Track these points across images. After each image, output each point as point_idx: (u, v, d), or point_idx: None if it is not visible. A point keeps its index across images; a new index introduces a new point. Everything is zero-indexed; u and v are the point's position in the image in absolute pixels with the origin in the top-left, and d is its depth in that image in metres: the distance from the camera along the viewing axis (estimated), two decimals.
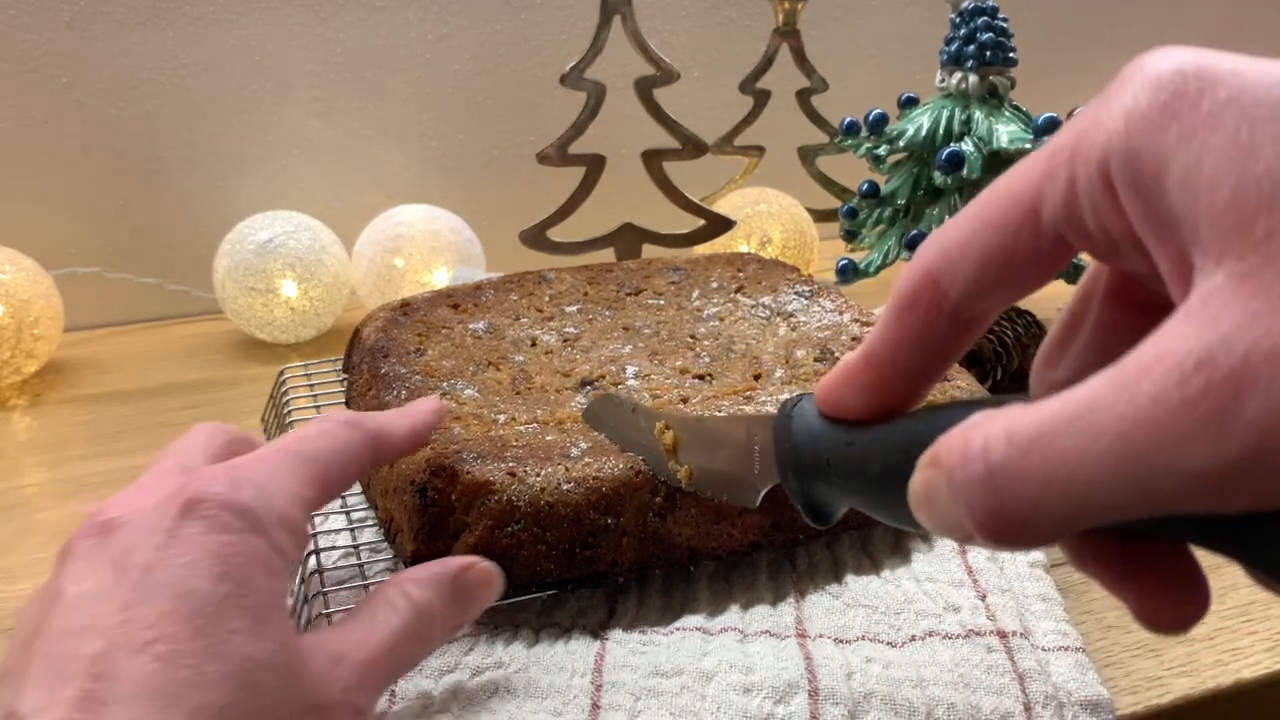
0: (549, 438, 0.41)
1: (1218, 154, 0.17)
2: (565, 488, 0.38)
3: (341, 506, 0.44)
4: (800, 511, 0.29)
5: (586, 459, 0.39)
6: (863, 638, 0.37)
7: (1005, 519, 0.18)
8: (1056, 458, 0.17)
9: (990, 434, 0.19)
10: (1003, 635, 0.36)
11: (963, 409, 0.21)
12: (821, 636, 0.36)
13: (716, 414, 0.41)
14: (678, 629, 0.37)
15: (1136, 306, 0.23)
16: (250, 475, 0.29)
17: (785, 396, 0.44)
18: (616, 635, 0.37)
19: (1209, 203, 0.17)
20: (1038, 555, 0.41)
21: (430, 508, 0.37)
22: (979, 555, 0.41)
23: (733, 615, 0.38)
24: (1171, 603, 0.20)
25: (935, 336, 0.23)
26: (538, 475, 0.38)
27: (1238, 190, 0.17)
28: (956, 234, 0.22)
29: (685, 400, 0.45)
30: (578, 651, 0.36)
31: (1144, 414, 0.16)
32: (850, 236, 0.74)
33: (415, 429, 0.36)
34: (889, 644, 0.36)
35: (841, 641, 0.36)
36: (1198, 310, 0.17)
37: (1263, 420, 0.15)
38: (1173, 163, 0.17)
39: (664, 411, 0.40)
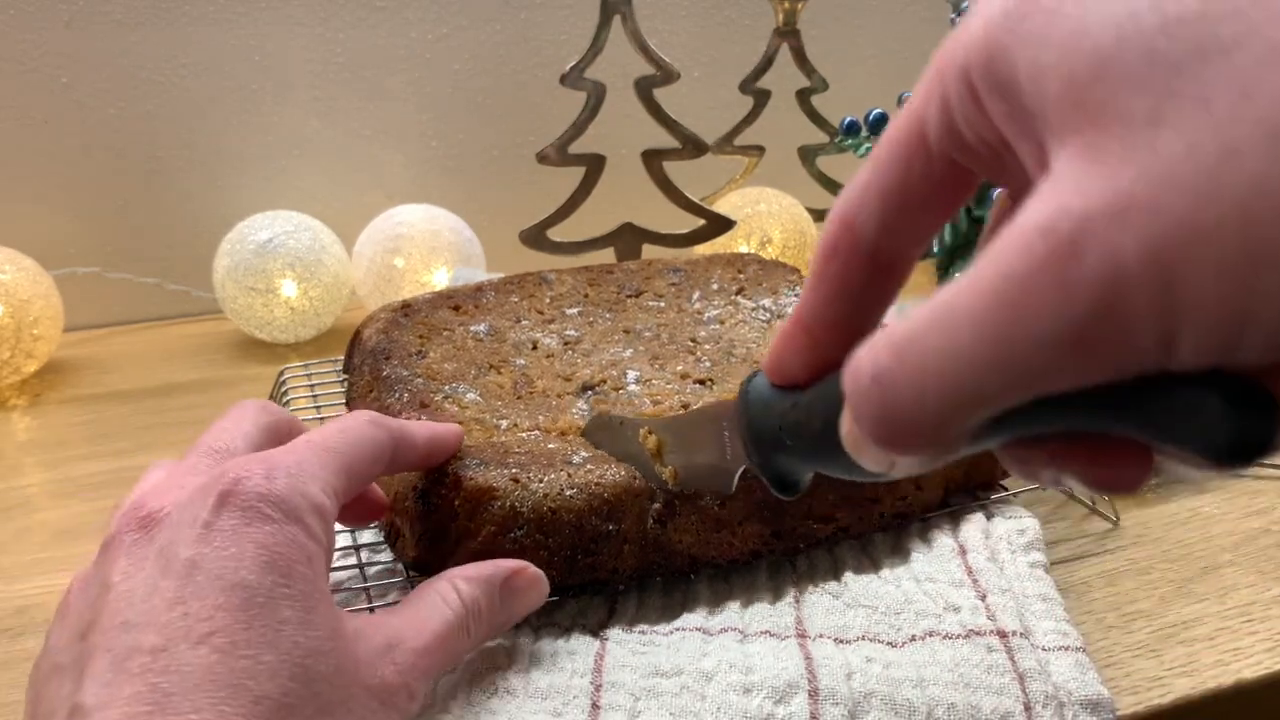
0: (550, 445, 0.41)
1: (1057, 41, 0.17)
2: (568, 494, 0.38)
3: None
4: (767, 485, 0.29)
5: (589, 466, 0.39)
6: (863, 638, 0.37)
7: (892, 424, 0.19)
8: (928, 355, 0.18)
9: (876, 347, 0.19)
10: (1003, 635, 0.36)
11: None
12: (821, 636, 0.36)
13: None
14: (677, 629, 0.37)
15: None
16: (283, 464, 0.30)
17: None
18: (616, 635, 0.37)
19: (1053, 88, 0.17)
20: (1037, 555, 0.41)
21: (433, 514, 0.37)
22: (979, 555, 0.41)
23: (732, 615, 0.38)
24: (1113, 470, 0.19)
25: (858, 284, 0.23)
26: (540, 481, 0.38)
27: (1073, 69, 0.17)
28: (861, 178, 0.22)
29: (686, 406, 0.45)
30: (577, 651, 0.36)
31: (996, 292, 0.17)
32: None
33: (435, 440, 0.37)
34: (889, 644, 0.36)
35: (841, 641, 0.36)
36: (1045, 189, 0.17)
37: (1102, 274, 0.16)
38: (1021, 58, 0.18)
39: (647, 418, 0.40)
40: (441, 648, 0.32)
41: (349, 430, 0.33)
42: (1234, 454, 0.17)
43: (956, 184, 0.22)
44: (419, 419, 0.43)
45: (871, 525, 0.43)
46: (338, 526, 0.43)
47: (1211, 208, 0.15)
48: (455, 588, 0.33)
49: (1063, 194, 0.16)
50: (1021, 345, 0.17)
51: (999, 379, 0.17)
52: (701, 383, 0.48)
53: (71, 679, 0.26)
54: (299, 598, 0.28)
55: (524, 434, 0.42)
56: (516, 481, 0.38)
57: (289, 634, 0.27)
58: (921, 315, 0.18)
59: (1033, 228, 0.17)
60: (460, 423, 0.43)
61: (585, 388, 0.47)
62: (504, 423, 0.43)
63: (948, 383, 0.18)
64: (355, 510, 0.38)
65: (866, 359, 0.20)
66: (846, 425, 0.21)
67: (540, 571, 0.36)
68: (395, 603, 0.39)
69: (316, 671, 0.27)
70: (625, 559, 0.38)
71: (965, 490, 0.45)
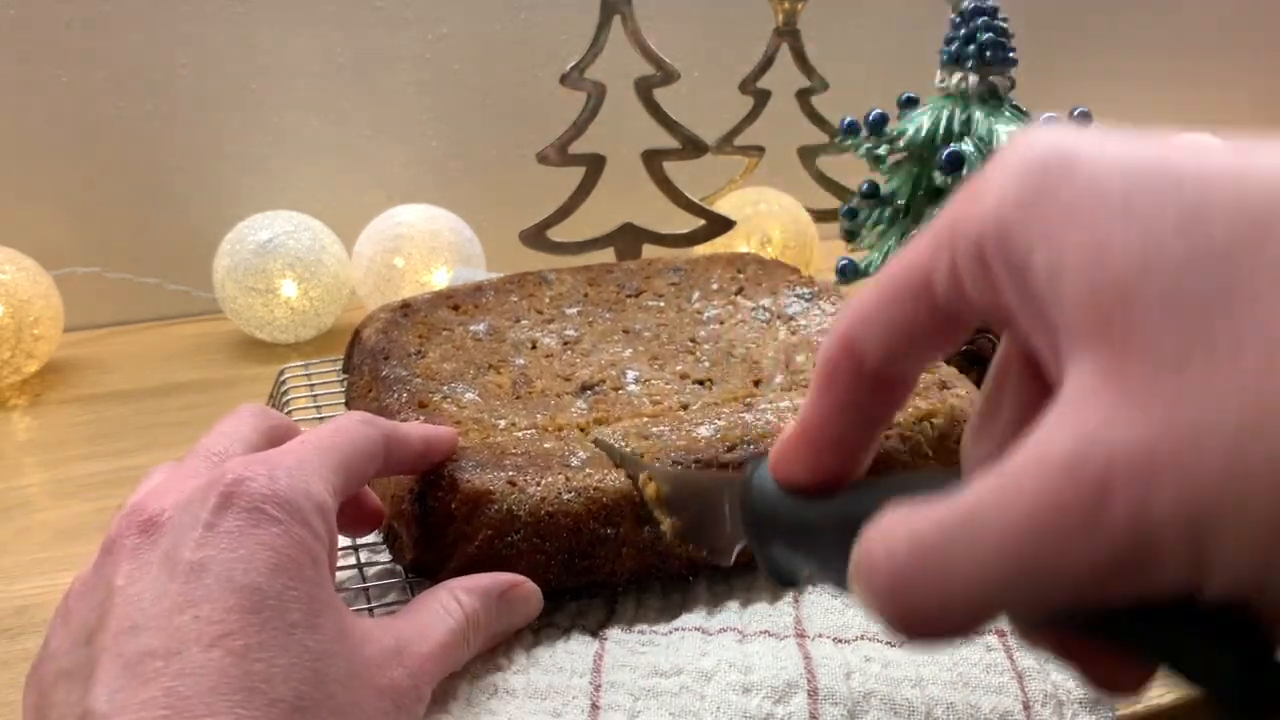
0: (548, 445, 0.41)
1: (1076, 248, 0.17)
2: (565, 497, 0.38)
3: None
4: (766, 576, 0.28)
5: (587, 469, 0.39)
6: (862, 637, 0.37)
7: (908, 618, 0.19)
8: (952, 564, 0.18)
9: (892, 539, 0.19)
10: (1002, 634, 0.36)
11: (887, 493, 0.21)
12: (820, 636, 0.36)
13: (696, 467, 0.40)
14: (677, 629, 0.37)
15: (1043, 381, 0.23)
16: (282, 463, 0.30)
17: (785, 403, 0.44)
18: (615, 635, 0.37)
19: (1071, 296, 0.17)
20: None
21: (429, 516, 0.37)
22: None
23: (731, 615, 0.38)
24: (1113, 671, 0.20)
25: (861, 402, 0.23)
26: (537, 485, 0.38)
27: (1094, 286, 0.17)
28: (867, 304, 0.22)
29: (685, 406, 0.45)
30: (577, 652, 0.36)
31: (1023, 518, 0.17)
32: (850, 236, 0.74)
33: (430, 441, 0.37)
34: (888, 643, 0.36)
35: (840, 641, 0.36)
36: (1068, 407, 0.17)
37: (1132, 520, 0.16)
38: (1038, 251, 0.18)
39: (648, 464, 0.39)
40: (445, 655, 0.32)
41: (343, 430, 0.33)
42: (1245, 709, 0.17)
43: (960, 325, 0.21)
44: (418, 419, 0.43)
45: None
46: None
47: (1244, 468, 0.15)
48: (456, 598, 0.33)
49: (1088, 421, 0.16)
50: (1049, 571, 0.17)
51: (1026, 595, 0.17)
52: (701, 383, 0.48)
53: (80, 684, 0.26)
54: (306, 600, 0.27)
55: (520, 433, 0.42)
56: (513, 484, 0.37)
57: (299, 637, 0.27)
58: (944, 514, 0.18)
59: (1061, 459, 0.16)
60: (458, 422, 0.43)
61: (584, 387, 0.47)
62: (502, 422, 0.43)
63: (973, 591, 0.18)
64: (353, 519, 0.38)
65: (880, 550, 0.19)
66: (856, 583, 0.21)
67: (536, 587, 0.36)
68: (395, 604, 0.39)
69: (328, 674, 0.27)
70: (623, 562, 0.38)
71: None
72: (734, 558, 0.33)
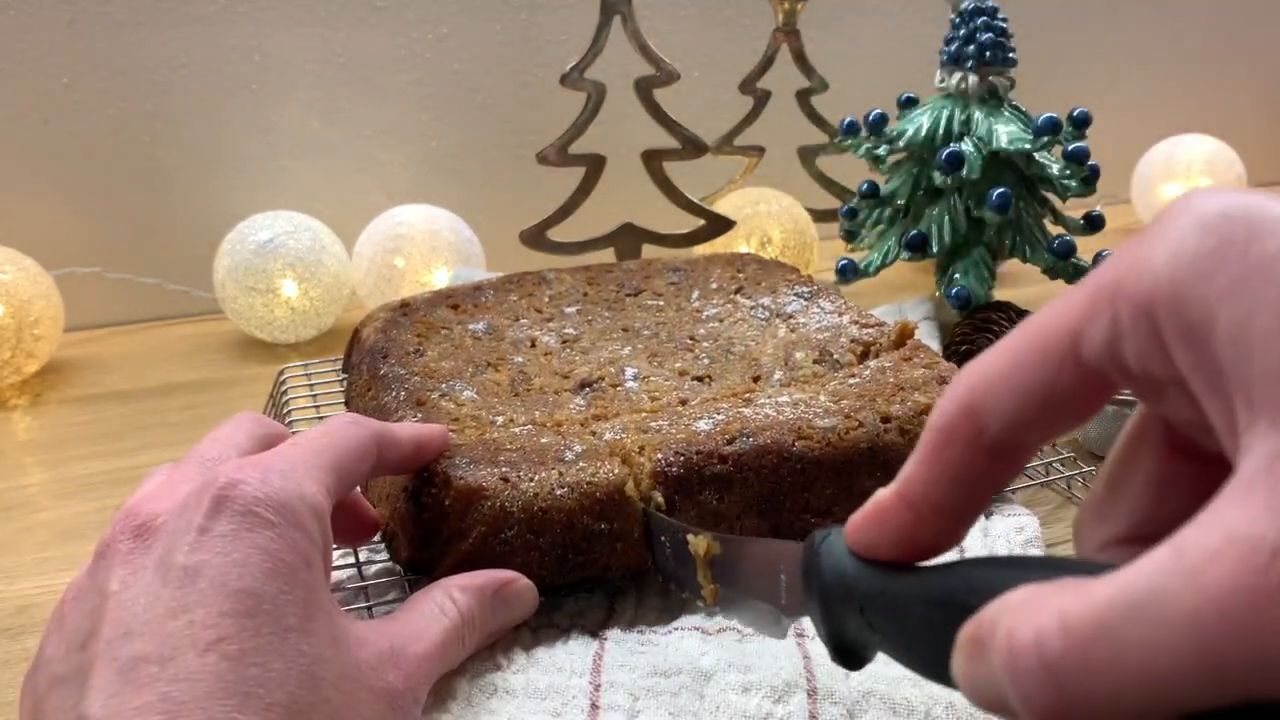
0: (544, 440, 0.41)
1: (1269, 310, 0.16)
2: (559, 493, 0.38)
3: None
4: (830, 653, 0.26)
5: (581, 463, 0.39)
6: None
7: (1073, 715, 0.17)
8: (1126, 651, 0.16)
9: (1041, 626, 0.17)
10: None
11: (1002, 571, 0.20)
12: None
13: (748, 536, 0.39)
14: (676, 629, 0.37)
15: (1189, 454, 0.21)
16: (275, 466, 0.30)
17: (784, 399, 0.44)
18: (615, 635, 0.37)
19: (1262, 362, 0.16)
20: (1035, 554, 0.41)
21: (424, 514, 0.37)
22: (977, 553, 0.41)
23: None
24: None
25: (974, 472, 0.22)
26: (531, 480, 0.38)
27: None
28: (993, 367, 0.21)
29: (684, 402, 0.45)
30: (576, 652, 0.36)
31: (1219, 606, 0.15)
32: (850, 236, 0.74)
33: (420, 441, 0.37)
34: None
35: None
36: (1260, 482, 0.16)
37: None
38: (1221, 314, 0.17)
39: (697, 528, 0.37)
40: (441, 655, 0.32)
41: (333, 431, 0.33)
42: None
43: (1100, 393, 0.20)
44: (416, 417, 0.43)
45: None
46: None
47: None
48: (451, 597, 0.33)
49: None
50: (1247, 664, 0.15)
51: (1211, 687, 0.16)
52: (700, 379, 0.48)
53: (75, 690, 0.26)
54: (300, 604, 0.27)
55: (517, 429, 0.42)
56: (506, 481, 0.37)
57: (294, 641, 0.27)
58: (1110, 598, 0.16)
59: (1260, 540, 0.15)
60: (456, 420, 0.43)
61: (583, 384, 0.47)
62: (500, 419, 0.43)
63: (1149, 684, 0.16)
64: (350, 529, 0.38)
65: (1028, 635, 0.17)
66: (963, 665, 0.19)
67: (530, 583, 0.36)
68: (394, 602, 0.39)
69: (323, 677, 0.27)
70: (619, 557, 0.38)
71: None
72: (788, 633, 0.31)
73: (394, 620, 0.32)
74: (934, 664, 0.21)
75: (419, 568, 0.38)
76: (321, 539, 0.30)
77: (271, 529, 0.28)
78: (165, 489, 0.30)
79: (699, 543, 0.35)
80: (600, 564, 0.38)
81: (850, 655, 0.26)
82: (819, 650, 0.35)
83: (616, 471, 0.39)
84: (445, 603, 0.33)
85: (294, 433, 0.37)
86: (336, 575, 0.41)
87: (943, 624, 0.20)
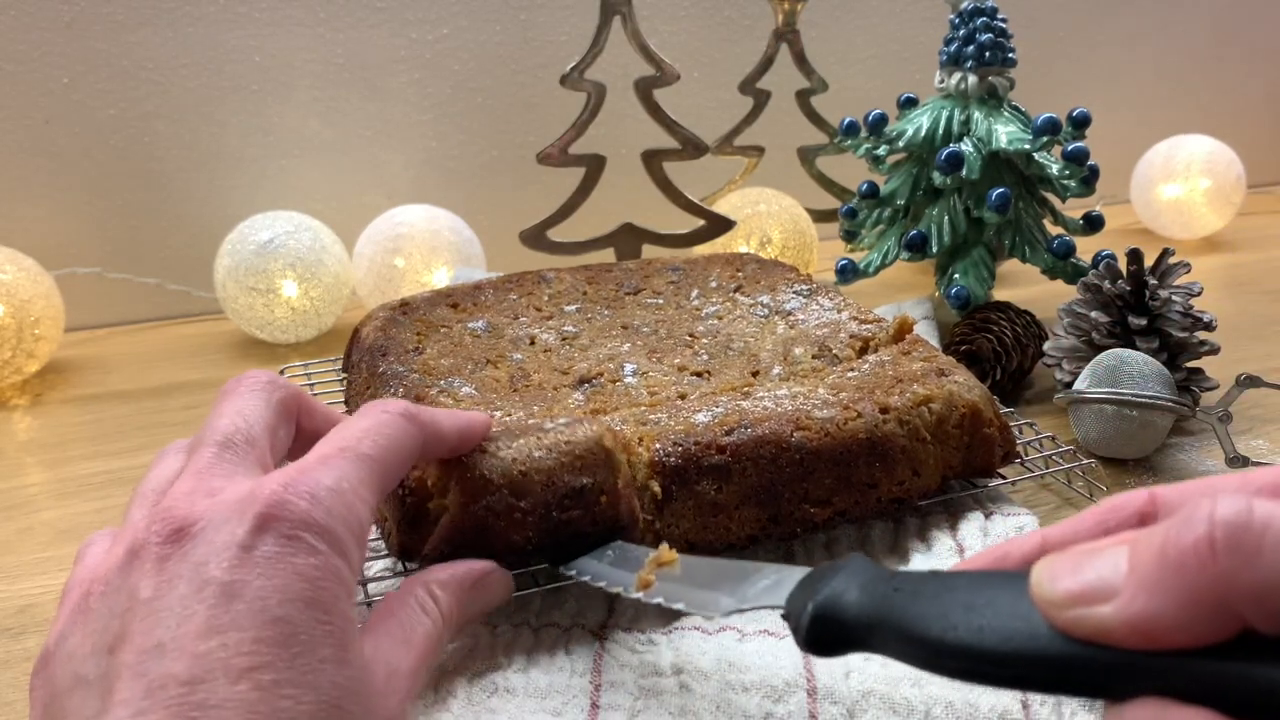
0: (530, 421, 0.41)
1: None
2: (536, 455, 0.37)
3: None
4: (799, 630, 0.26)
5: (560, 429, 0.38)
6: None
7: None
8: None
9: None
10: None
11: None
12: None
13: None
14: (676, 628, 0.37)
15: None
16: (325, 484, 0.28)
17: (782, 392, 0.44)
18: (615, 635, 0.37)
19: None
20: None
21: (409, 497, 0.37)
22: (976, 551, 0.41)
23: (731, 615, 0.38)
24: None
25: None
26: (509, 448, 0.37)
27: None
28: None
29: (683, 396, 0.45)
30: (576, 651, 0.36)
31: None
32: (850, 237, 0.75)
33: (463, 431, 0.36)
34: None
35: None
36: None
37: None
38: None
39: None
40: (424, 664, 0.31)
41: (384, 432, 0.32)
42: None
43: None
44: None
45: (869, 510, 0.43)
46: None
47: None
48: (431, 594, 0.33)
49: None
50: None
51: None
52: (699, 375, 0.48)
53: (97, 696, 0.25)
54: (338, 635, 0.27)
55: (507, 418, 0.42)
56: (484, 451, 0.37)
57: (329, 674, 0.26)
58: None
59: None
60: None
61: (582, 380, 0.47)
62: (499, 414, 0.43)
63: None
64: None
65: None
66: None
67: (506, 572, 0.36)
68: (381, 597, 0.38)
69: (349, 712, 0.26)
70: (603, 510, 0.38)
71: (963, 476, 0.45)
72: (727, 614, 0.31)
73: (383, 632, 0.31)
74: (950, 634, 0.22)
75: (411, 554, 0.38)
76: (361, 559, 0.29)
77: (316, 555, 0.27)
78: (198, 483, 0.29)
79: (666, 552, 0.35)
80: (586, 520, 0.37)
81: (827, 627, 0.25)
82: None
83: (594, 428, 0.38)
84: (426, 601, 0.32)
85: (310, 395, 0.35)
86: None
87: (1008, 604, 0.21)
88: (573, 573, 0.37)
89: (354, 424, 0.32)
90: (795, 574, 0.29)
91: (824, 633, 0.25)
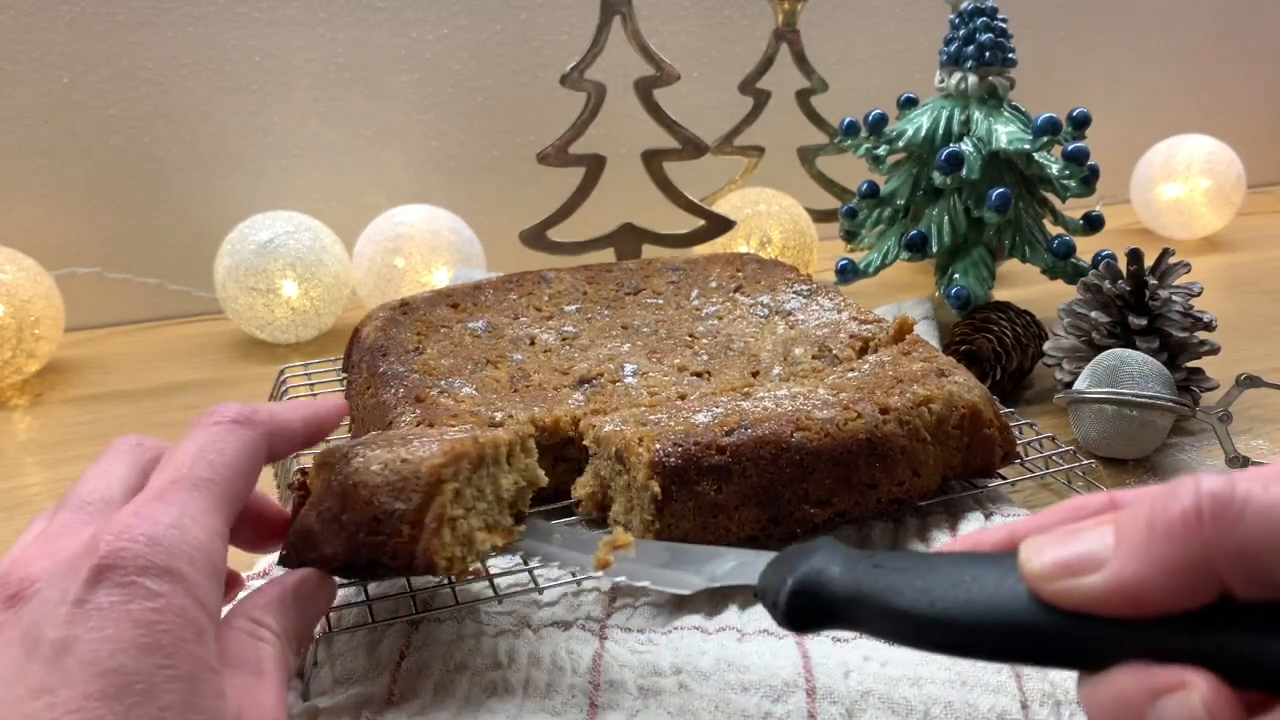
0: (414, 430, 0.38)
1: None
2: (374, 469, 0.34)
3: None
4: (777, 603, 0.26)
5: (416, 445, 0.35)
6: (860, 636, 0.37)
7: None
8: None
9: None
10: None
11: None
12: (819, 635, 0.36)
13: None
14: (675, 628, 0.37)
15: None
16: (163, 522, 0.27)
17: (782, 392, 0.44)
18: (615, 635, 0.37)
19: None
20: None
21: (299, 505, 0.35)
22: None
23: (730, 615, 0.38)
24: None
25: None
26: (361, 458, 0.35)
27: None
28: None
29: (683, 397, 0.45)
30: (576, 651, 0.36)
31: None
32: (850, 236, 0.75)
33: (310, 421, 0.35)
34: (886, 642, 0.36)
35: (839, 640, 0.36)
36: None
37: None
38: None
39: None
40: (281, 688, 0.30)
41: (216, 448, 0.30)
42: None
43: None
44: (414, 414, 0.43)
45: (869, 510, 0.43)
46: None
47: None
48: (256, 621, 0.31)
49: None
50: None
51: None
52: (699, 375, 0.48)
53: None
54: (184, 679, 0.25)
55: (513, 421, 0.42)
56: (346, 458, 0.35)
57: None
58: None
59: None
60: (455, 415, 0.43)
61: (582, 380, 0.47)
62: (499, 414, 0.43)
63: None
64: (254, 534, 0.35)
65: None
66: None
67: (322, 573, 0.34)
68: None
69: None
70: (404, 544, 0.33)
71: (963, 477, 0.45)
72: (688, 591, 0.32)
73: (230, 669, 0.29)
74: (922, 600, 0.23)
75: (340, 572, 0.35)
76: (216, 600, 0.28)
77: (156, 599, 0.26)
78: (43, 546, 0.28)
79: (621, 535, 0.35)
80: (385, 550, 0.33)
81: (807, 595, 0.25)
82: (818, 650, 0.35)
83: (440, 453, 0.34)
84: (254, 629, 0.31)
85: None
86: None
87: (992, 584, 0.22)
88: (520, 555, 0.37)
89: (185, 447, 0.31)
90: (761, 557, 0.29)
91: (804, 607, 0.25)
